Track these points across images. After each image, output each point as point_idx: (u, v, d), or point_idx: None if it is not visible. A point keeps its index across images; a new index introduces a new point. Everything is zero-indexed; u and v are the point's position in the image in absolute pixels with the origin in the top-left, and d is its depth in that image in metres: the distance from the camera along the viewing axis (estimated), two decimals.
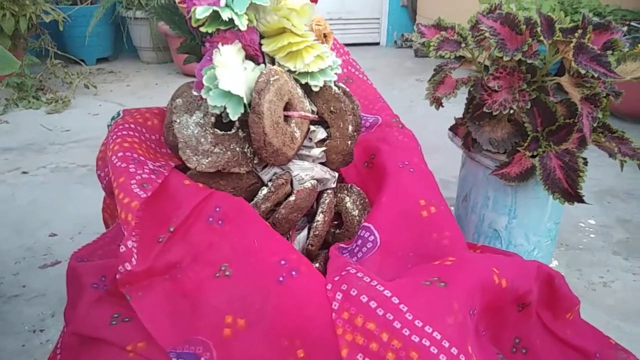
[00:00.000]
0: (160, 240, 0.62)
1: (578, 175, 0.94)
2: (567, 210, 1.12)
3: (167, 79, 2.76)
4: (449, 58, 1.01)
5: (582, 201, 0.94)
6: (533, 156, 0.97)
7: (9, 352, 0.92)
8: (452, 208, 1.42)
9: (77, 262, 0.74)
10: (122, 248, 0.59)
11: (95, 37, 3.01)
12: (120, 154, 0.69)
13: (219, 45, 0.67)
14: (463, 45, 1.02)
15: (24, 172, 1.63)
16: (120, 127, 0.76)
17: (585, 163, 0.95)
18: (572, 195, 0.94)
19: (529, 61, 0.93)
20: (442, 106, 1.06)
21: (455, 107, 1.22)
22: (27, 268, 1.16)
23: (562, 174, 0.95)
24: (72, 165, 1.70)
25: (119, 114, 0.83)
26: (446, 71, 1.07)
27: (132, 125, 0.77)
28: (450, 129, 1.13)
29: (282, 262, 0.61)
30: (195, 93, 0.73)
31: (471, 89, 1.03)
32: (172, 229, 0.63)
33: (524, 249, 1.10)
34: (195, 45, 0.82)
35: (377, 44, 3.71)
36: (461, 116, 1.11)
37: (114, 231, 0.85)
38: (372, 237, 0.70)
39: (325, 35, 0.86)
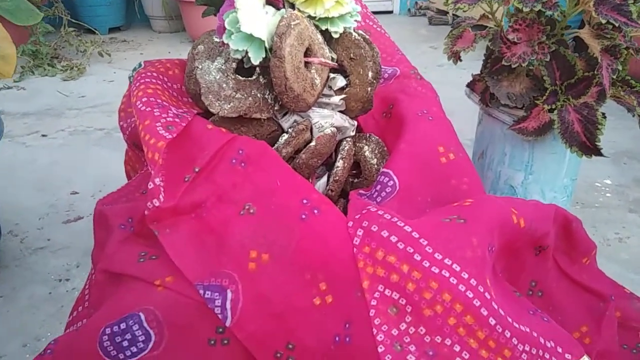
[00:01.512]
0: (186, 179, 0.64)
1: (597, 128, 0.94)
2: (583, 170, 1.12)
3: (179, 48, 2.76)
4: (468, 11, 1.00)
5: (600, 154, 0.94)
6: (551, 110, 0.97)
7: (37, 299, 0.96)
8: None
9: (104, 206, 0.76)
10: (150, 185, 0.61)
11: (107, 7, 3.01)
12: (144, 99, 0.71)
13: None
14: None
15: (44, 135, 1.66)
16: (143, 75, 0.77)
17: (604, 117, 0.95)
18: (590, 148, 0.94)
19: (549, 13, 0.92)
20: (461, 60, 1.05)
21: (469, 72, 1.21)
22: (51, 223, 1.19)
23: (580, 128, 0.95)
24: (89, 129, 1.72)
25: (140, 64, 0.84)
26: (464, 26, 1.06)
27: (155, 74, 0.78)
28: (468, 85, 1.13)
29: (305, 201, 0.62)
30: (216, 39, 0.73)
31: (489, 43, 1.02)
32: (197, 170, 0.65)
33: None
34: None
35: (391, 12, 3.66)
36: (478, 73, 1.10)
37: (137, 180, 0.87)
38: (391, 182, 0.71)
39: None
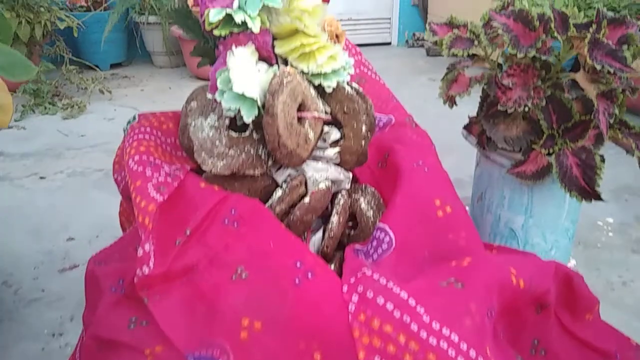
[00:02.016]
0: (177, 243, 0.63)
1: (595, 172, 0.93)
2: (584, 208, 1.11)
3: (180, 83, 2.78)
4: (462, 56, 1.00)
5: (600, 199, 0.92)
6: (549, 154, 0.96)
7: (29, 356, 0.94)
8: (467, 207, 1.41)
9: (96, 265, 0.75)
10: (139, 251, 0.59)
11: (108, 43, 3.04)
12: (136, 158, 0.70)
13: (233, 47, 0.67)
14: (476, 43, 1.02)
15: (42, 177, 1.66)
16: (137, 130, 0.77)
17: (603, 160, 0.94)
18: (589, 193, 0.93)
19: (543, 58, 0.92)
20: (456, 105, 1.05)
21: (468, 105, 1.21)
22: (46, 272, 1.18)
23: (579, 172, 0.94)
24: (88, 170, 1.72)
25: (134, 117, 0.84)
26: (459, 69, 1.06)
27: (148, 129, 0.78)
28: (465, 127, 1.13)
29: (298, 264, 0.61)
30: (209, 96, 0.73)
31: (485, 86, 1.02)
32: (188, 232, 0.63)
33: (541, 248, 1.08)
34: (208, 48, 0.83)
35: (389, 43, 3.70)
36: (475, 115, 1.10)
37: (130, 234, 0.86)
38: (387, 238, 0.70)
39: (337, 36, 0.86)
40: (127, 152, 0.72)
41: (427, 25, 1.08)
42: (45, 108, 2.29)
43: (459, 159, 1.55)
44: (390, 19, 3.65)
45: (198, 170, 0.75)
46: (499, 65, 1.02)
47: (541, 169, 0.98)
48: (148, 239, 0.60)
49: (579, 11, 2.28)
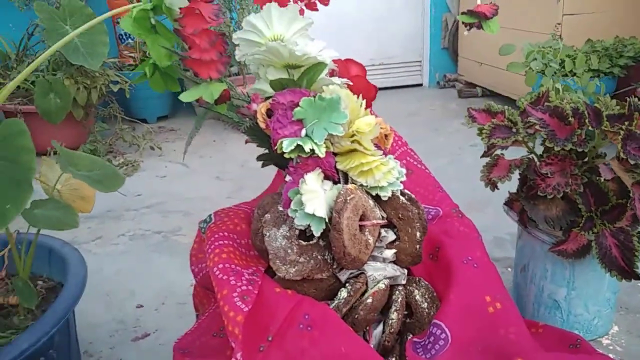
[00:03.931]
0: (261, 349, 0.72)
1: (634, 254, 0.99)
2: None
3: (223, 136, 2.93)
4: (502, 145, 1.08)
5: (639, 279, 0.98)
6: (589, 233, 1.03)
7: None
8: (509, 270, 1.47)
9: (181, 354, 0.85)
10: None
11: (155, 97, 3.25)
12: (220, 266, 0.81)
13: (305, 175, 0.77)
14: (514, 130, 1.10)
15: (106, 241, 1.80)
16: (216, 236, 0.87)
17: None
18: (629, 273, 0.99)
19: (579, 149, 0.99)
20: (497, 188, 1.13)
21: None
22: (121, 341, 1.29)
23: (618, 252, 1.00)
24: (147, 232, 1.85)
25: (210, 218, 0.96)
26: (498, 154, 1.14)
27: (225, 234, 0.88)
28: (506, 203, 1.20)
29: None
30: (281, 209, 0.84)
31: (524, 171, 1.10)
32: (270, 338, 0.73)
33: (584, 318, 1.14)
34: (273, 156, 0.94)
35: (420, 85, 3.80)
36: (515, 191, 1.17)
37: (207, 320, 0.96)
38: (443, 335, 0.78)
39: (385, 136, 0.96)
40: (210, 259, 0.83)
41: (466, 113, 1.17)
42: None
43: (496, 214, 1.59)
44: (420, 61, 3.75)
45: (270, 271, 0.85)
46: (536, 154, 1.09)
47: (582, 248, 1.04)
48: (239, 348, 0.70)
49: (610, 60, 2.32)
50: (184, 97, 0.88)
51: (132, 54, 3.23)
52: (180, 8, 0.83)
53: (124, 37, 3.28)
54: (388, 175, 0.83)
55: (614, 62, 2.19)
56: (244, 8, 2.62)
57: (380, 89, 3.71)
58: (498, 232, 1.68)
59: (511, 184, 1.13)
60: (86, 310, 1.40)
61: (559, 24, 2.42)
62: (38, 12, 1.10)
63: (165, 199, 2.14)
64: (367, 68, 1.05)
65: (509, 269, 1.47)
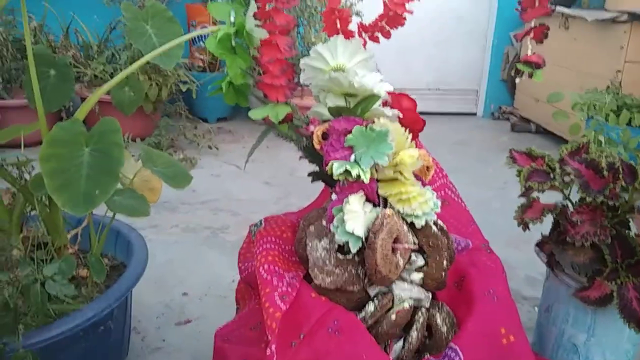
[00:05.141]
0: (293, 345, 0.82)
1: None
2: None
3: (277, 142, 3.03)
4: (538, 190, 1.15)
5: None
6: (612, 284, 1.07)
7: None
8: (535, 309, 1.51)
9: (223, 342, 0.97)
10: (268, 351, 0.80)
11: (217, 99, 3.42)
12: (266, 267, 0.92)
13: (349, 196, 0.87)
14: (552, 175, 1.16)
15: (161, 230, 1.96)
16: (265, 240, 0.99)
17: None
18: None
19: (611, 203, 1.05)
20: (529, 229, 1.19)
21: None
22: (165, 323, 1.42)
23: (638, 306, 1.04)
24: (199, 227, 2.00)
25: (261, 222, 1.07)
26: (534, 196, 1.20)
27: (273, 239, 1.00)
28: (537, 244, 1.25)
29: None
30: (324, 223, 0.94)
31: (557, 216, 1.15)
32: (302, 336, 0.83)
33: None
34: (323, 174, 1.04)
35: (474, 114, 3.83)
36: (547, 234, 1.23)
37: (247, 314, 1.08)
38: (457, 358, 0.86)
39: (427, 168, 1.05)
40: (258, 259, 0.94)
41: (508, 155, 1.24)
42: None
43: (532, 252, 1.63)
44: (477, 91, 3.78)
45: (307, 276, 0.95)
46: (571, 201, 1.15)
47: (604, 297, 1.09)
48: (274, 341, 0.81)
49: None
50: (253, 114, 1.00)
51: (202, 56, 3.43)
52: (260, 39, 0.95)
53: (197, 39, 3.49)
54: (424, 205, 0.91)
55: None
56: (311, 25, 2.76)
57: (434, 113, 3.79)
58: (531, 270, 1.71)
59: (547, 226, 1.18)
60: (138, 291, 1.54)
61: (619, 71, 2.43)
62: (124, 10, 1.22)
63: (217, 197, 2.29)
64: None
65: (535, 308, 1.52)
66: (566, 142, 2.79)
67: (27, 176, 1.12)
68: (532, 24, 1.08)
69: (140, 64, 1.14)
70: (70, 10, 3.07)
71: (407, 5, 1.07)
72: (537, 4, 1.07)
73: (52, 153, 0.85)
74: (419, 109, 1.04)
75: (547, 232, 1.22)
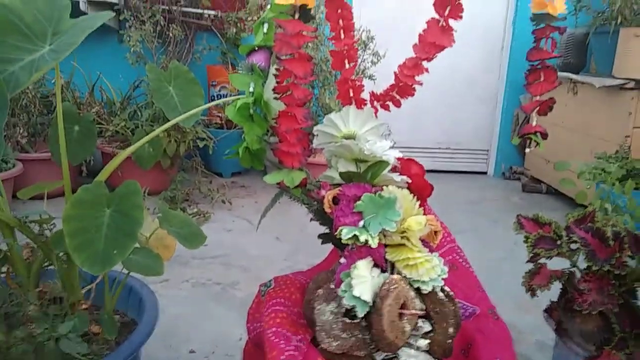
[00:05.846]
0: None
1: None
2: None
3: (288, 200, 3.11)
4: (544, 256, 1.16)
5: None
6: (621, 354, 1.06)
7: None
8: None
9: None
10: None
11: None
12: (273, 329, 0.93)
13: (357, 261, 0.90)
14: (559, 242, 1.18)
15: (172, 284, 1.97)
16: (274, 301, 1.01)
17: None
18: None
19: (617, 272, 1.05)
20: (537, 296, 1.19)
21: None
22: None
23: None
24: (209, 282, 2.02)
25: (270, 283, 1.09)
26: (541, 262, 1.21)
27: (282, 300, 1.02)
28: (546, 310, 1.25)
29: None
30: (332, 287, 0.96)
31: (564, 283, 1.16)
32: None
33: None
34: (332, 237, 1.07)
35: (485, 173, 3.86)
36: (556, 300, 1.23)
37: None
38: None
39: (435, 232, 1.07)
40: (265, 321, 0.96)
41: (515, 220, 1.26)
42: None
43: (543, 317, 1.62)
44: (488, 150, 3.84)
45: (315, 338, 0.96)
46: (578, 268, 1.16)
47: None
48: None
49: None
50: (268, 179, 1.05)
51: (219, 114, 3.55)
52: (278, 110, 1.01)
53: (215, 97, 3.63)
54: (431, 271, 0.93)
55: None
56: (326, 88, 2.86)
57: (445, 172, 3.83)
58: (542, 336, 1.69)
59: (555, 292, 1.19)
60: (146, 346, 1.55)
61: (627, 136, 2.47)
62: (149, 72, 1.30)
63: (229, 252, 2.31)
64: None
65: None
66: (577, 204, 2.78)
67: (47, 232, 1.16)
68: (539, 97, 1.13)
69: (166, 127, 1.20)
70: (97, 69, 3.23)
71: (416, 77, 1.13)
72: (542, 77, 1.12)
73: (75, 214, 0.90)
74: (431, 167, 1.08)
75: (555, 297, 1.23)
